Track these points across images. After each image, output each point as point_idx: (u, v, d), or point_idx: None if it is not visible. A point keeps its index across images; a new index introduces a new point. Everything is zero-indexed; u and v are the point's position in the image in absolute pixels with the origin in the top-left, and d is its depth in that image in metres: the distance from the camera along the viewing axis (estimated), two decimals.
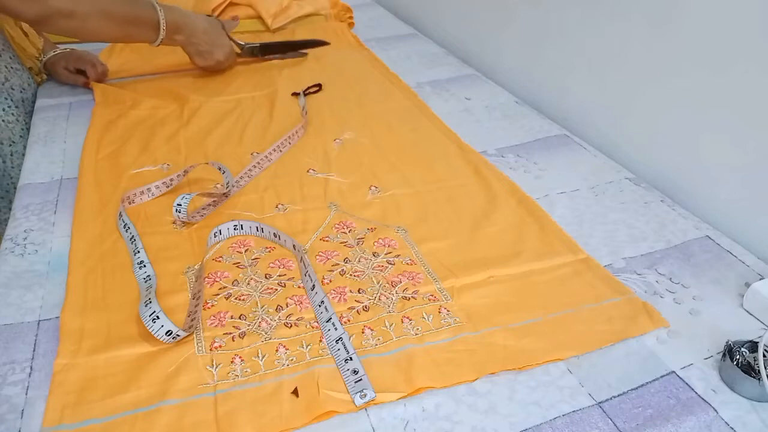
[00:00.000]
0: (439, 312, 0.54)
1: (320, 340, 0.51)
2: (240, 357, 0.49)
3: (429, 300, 0.55)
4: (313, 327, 0.52)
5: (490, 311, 0.54)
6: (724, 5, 0.64)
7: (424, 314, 0.54)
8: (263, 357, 0.49)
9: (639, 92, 0.78)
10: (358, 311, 0.54)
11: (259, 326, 0.52)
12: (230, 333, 0.51)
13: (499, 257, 0.61)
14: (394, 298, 0.55)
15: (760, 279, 0.57)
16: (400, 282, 0.57)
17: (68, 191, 0.70)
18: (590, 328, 0.53)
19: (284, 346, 0.50)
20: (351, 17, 1.26)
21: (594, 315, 0.54)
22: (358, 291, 0.56)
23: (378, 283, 0.57)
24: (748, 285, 0.56)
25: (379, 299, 0.55)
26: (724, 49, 0.65)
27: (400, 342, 0.51)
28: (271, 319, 0.53)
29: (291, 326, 0.52)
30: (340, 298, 0.55)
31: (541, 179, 0.75)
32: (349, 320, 0.53)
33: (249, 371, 0.48)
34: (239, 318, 0.53)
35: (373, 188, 0.72)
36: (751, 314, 0.55)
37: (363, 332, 0.52)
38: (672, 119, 0.74)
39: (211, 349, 0.49)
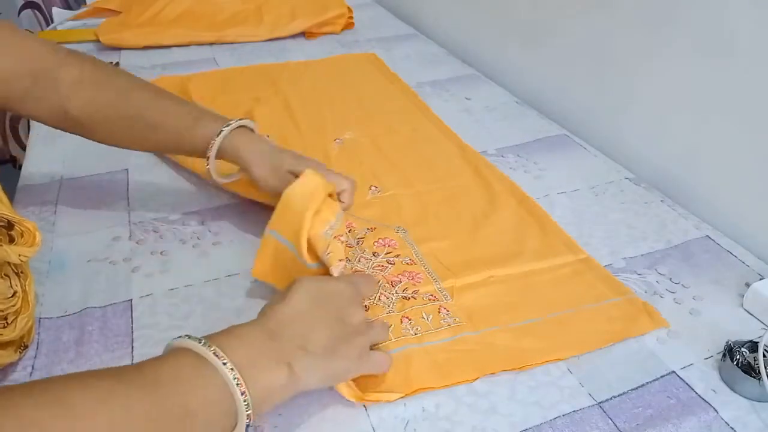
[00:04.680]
0: (439, 312, 0.54)
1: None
2: None
3: (429, 300, 0.55)
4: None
5: (490, 311, 0.54)
6: (724, 5, 0.64)
7: (423, 314, 0.53)
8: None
9: (639, 92, 0.78)
10: None
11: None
12: None
13: (499, 257, 0.61)
14: (393, 298, 0.55)
15: (760, 279, 0.57)
16: (400, 282, 0.57)
17: (68, 191, 0.70)
18: (590, 328, 0.53)
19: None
20: (351, 17, 1.26)
21: (594, 315, 0.54)
22: None
23: (378, 282, 0.57)
24: (748, 285, 0.56)
25: (379, 299, 0.55)
26: (725, 48, 0.65)
27: (399, 342, 0.50)
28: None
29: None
30: None
31: (541, 179, 0.75)
32: None
33: None
34: None
35: (373, 188, 0.72)
36: (751, 314, 0.55)
37: None
38: (672, 119, 0.74)
39: None
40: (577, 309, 0.55)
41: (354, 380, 0.46)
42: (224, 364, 0.36)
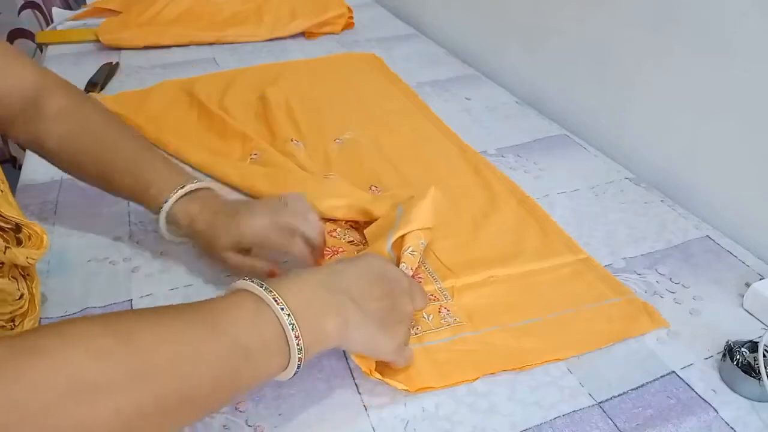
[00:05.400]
0: (439, 312, 0.54)
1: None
2: None
3: (429, 300, 0.55)
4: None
5: (490, 311, 0.54)
6: (724, 5, 0.64)
7: (424, 314, 0.53)
8: None
9: (639, 92, 0.78)
10: None
11: None
12: None
13: (499, 257, 0.60)
14: None
15: (760, 279, 0.57)
16: None
17: (68, 191, 0.70)
18: (590, 328, 0.53)
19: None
20: (351, 17, 1.26)
21: (594, 315, 0.54)
22: None
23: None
24: (748, 285, 0.56)
25: None
26: (724, 48, 0.65)
27: None
28: None
29: None
30: None
31: (541, 179, 0.75)
32: None
33: None
34: None
35: (373, 188, 0.71)
36: (751, 314, 0.55)
37: None
38: (672, 119, 0.74)
39: None
40: (577, 309, 0.55)
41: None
42: (282, 309, 0.38)
